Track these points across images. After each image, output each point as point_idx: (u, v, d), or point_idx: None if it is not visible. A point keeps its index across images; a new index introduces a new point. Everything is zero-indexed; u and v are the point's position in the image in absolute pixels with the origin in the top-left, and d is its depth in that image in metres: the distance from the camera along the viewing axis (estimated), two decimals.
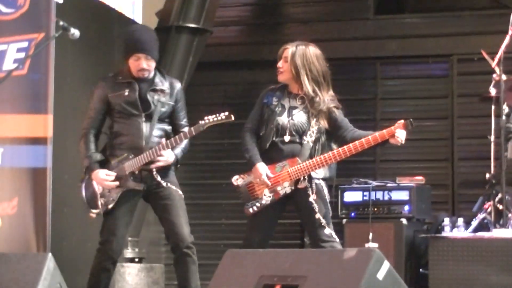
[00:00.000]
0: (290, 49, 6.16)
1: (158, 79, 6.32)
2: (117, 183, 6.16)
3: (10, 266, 4.72)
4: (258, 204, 5.98)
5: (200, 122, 6.07)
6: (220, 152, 11.01)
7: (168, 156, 6.17)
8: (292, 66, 6.11)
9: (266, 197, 5.98)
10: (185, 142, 6.30)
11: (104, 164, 6.26)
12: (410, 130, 5.78)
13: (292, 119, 6.06)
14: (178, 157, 6.25)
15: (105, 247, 6.21)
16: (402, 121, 5.81)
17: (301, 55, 6.13)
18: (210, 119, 6.05)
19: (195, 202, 9.97)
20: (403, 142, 5.81)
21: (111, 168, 6.21)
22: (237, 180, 6.09)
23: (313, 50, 6.18)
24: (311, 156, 6.01)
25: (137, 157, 6.12)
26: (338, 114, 6.14)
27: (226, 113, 6.02)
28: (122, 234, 6.29)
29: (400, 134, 5.78)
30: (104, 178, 6.16)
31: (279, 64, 6.16)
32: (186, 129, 6.19)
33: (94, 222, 6.37)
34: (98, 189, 6.23)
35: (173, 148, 6.20)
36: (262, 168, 5.99)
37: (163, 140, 6.16)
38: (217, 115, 6.04)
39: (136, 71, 6.23)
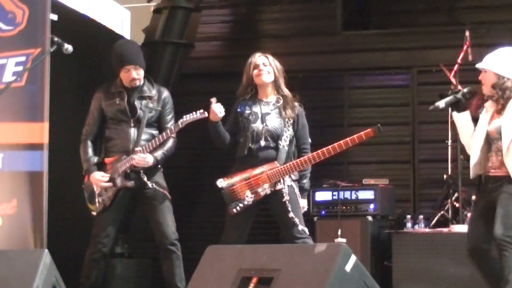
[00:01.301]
0: (267, 56, 6.16)
1: (146, 87, 6.35)
2: (110, 184, 6.17)
3: (10, 262, 4.71)
4: (241, 205, 5.97)
5: (178, 121, 6.09)
6: (202, 156, 11.00)
7: (144, 159, 6.14)
8: (275, 68, 6.12)
9: (248, 198, 5.98)
10: (168, 145, 6.30)
11: (101, 166, 6.28)
12: (378, 134, 5.79)
13: (266, 125, 6.06)
14: (157, 159, 6.23)
15: (96, 241, 6.22)
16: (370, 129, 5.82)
17: (277, 62, 6.17)
18: (187, 117, 6.07)
19: (180, 202, 9.96)
20: None
21: (107, 170, 6.23)
22: (221, 182, 6.08)
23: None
24: (287, 160, 6.02)
25: (127, 158, 6.14)
26: (301, 126, 6.16)
27: (201, 111, 6.05)
28: (112, 229, 6.29)
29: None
30: (99, 179, 6.19)
31: (261, 66, 6.13)
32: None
33: (87, 220, 6.36)
34: (96, 189, 6.26)
35: (154, 149, 6.19)
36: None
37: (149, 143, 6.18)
38: (193, 113, 6.06)
39: (128, 82, 6.28)
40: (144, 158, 6.13)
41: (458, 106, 5.81)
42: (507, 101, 5.59)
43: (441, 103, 5.86)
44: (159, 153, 6.25)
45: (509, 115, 5.60)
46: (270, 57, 6.18)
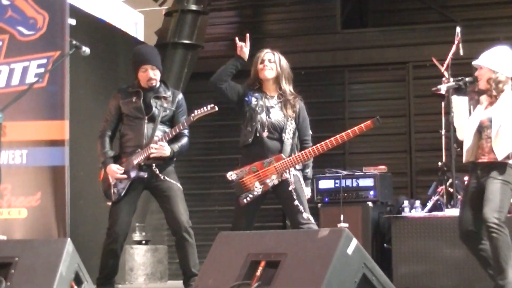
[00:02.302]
0: (274, 53, 6.15)
1: (161, 88, 6.36)
2: (125, 176, 6.19)
3: (35, 250, 4.72)
4: (250, 195, 5.96)
5: (190, 115, 6.11)
6: (212, 150, 11.02)
7: (162, 147, 6.17)
8: (279, 66, 6.11)
9: (257, 189, 5.97)
10: (184, 141, 6.31)
11: (117, 160, 6.30)
12: (377, 126, 5.79)
13: (269, 117, 6.05)
14: (174, 150, 6.24)
15: (111, 231, 6.21)
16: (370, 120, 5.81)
17: (283, 60, 6.15)
18: (198, 111, 6.07)
19: (193, 192, 9.97)
20: None
21: (122, 163, 6.25)
22: (231, 175, 6.08)
23: (285, 60, 6.19)
24: (291, 152, 6.02)
25: (141, 151, 6.16)
26: (302, 119, 6.15)
27: (211, 105, 6.05)
28: (126, 220, 6.28)
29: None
30: (115, 171, 6.19)
31: (266, 62, 6.12)
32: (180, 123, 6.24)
33: (105, 211, 6.37)
34: (112, 181, 6.26)
35: (171, 141, 6.22)
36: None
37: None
38: (204, 108, 6.07)
39: (145, 81, 6.27)
40: (162, 147, 6.15)
41: (458, 91, 5.91)
42: (499, 93, 5.73)
43: (443, 87, 5.96)
44: (175, 146, 6.26)
45: (500, 105, 5.72)
46: (277, 54, 6.16)
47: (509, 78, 5.78)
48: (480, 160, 5.76)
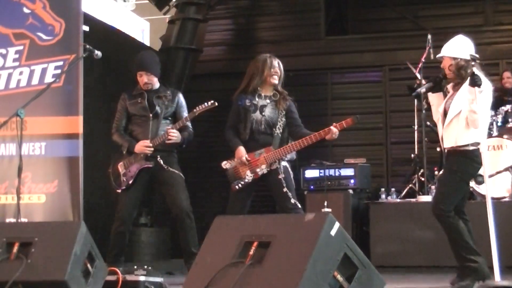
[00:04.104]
0: (278, 60, 6.11)
1: (161, 89, 6.41)
2: (152, 149, 6.18)
3: (53, 231, 4.70)
4: (242, 182, 5.96)
5: (193, 110, 6.15)
6: (211, 142, 11.00)
7: (177, 134, 6.20)
8: (280, 72, 6.09)
9: (248, 177, 5.96)
10: (190, 131, 6.34)
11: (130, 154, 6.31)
12: (356, 122, 5.77)
13: (263, 114, 6.04)
14: (184, 137, 6.27)
15: (119, 216, 6.23)
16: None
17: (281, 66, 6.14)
18: (200, 107, 6.11)
19: (193, 180, 9.96)
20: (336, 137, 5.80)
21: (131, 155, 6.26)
22: (225, 164, 6.07)
23: None
24: (281, 145, 6.00)
25: (152, 141, 6.17)
26: (294, 113, 6.12)
27: (212, 101, 6.07)
28: (133, 205, 6.30)
29: (335, 133, 5.77)
30: (144, 146, 6.20)
31: (277, 69, 6.04)
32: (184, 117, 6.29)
33: (115, 198, 6.37)
34: (121, 170, 6.27)
35: (180, 130, 6.23)
36: (242, 151, 5.98)
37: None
38: (205, 104, 6.09)
39: (142, 85, 6.36)
40: (176, 133, 6.17)
41: (432, 89, 5.68)
42: (463, 80, 5.40)
43: (422, 89, 5.82)
44: (184, 134, 6.30)
45: (459, 93, 5.41)
46: (280, 62, 6.13)
47: (469, 62, 5.40)
48: (445, 147, 5.50)
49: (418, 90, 6.02)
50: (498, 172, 7.54)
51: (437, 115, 5.60)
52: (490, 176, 7.22)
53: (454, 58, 5.45)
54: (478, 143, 5.35)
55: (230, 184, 6.06)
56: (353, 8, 11.87)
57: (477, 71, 5.32)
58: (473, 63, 5.40)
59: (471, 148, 5.35)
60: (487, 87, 5.34)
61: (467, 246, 5.31)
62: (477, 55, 5.43)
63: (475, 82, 5.17)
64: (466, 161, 5.36)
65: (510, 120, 7.93)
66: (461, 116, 5.35)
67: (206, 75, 11.15)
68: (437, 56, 5.65)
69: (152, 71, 6.35)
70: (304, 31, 11.21)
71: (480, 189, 7.46)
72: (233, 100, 6.13)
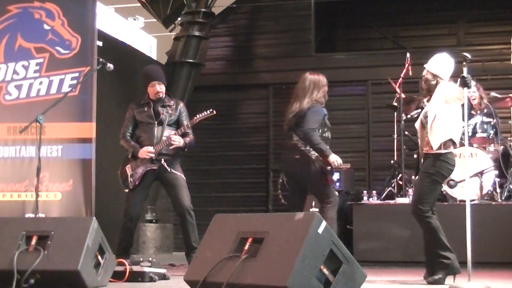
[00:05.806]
0: None
1: (166, 99, 6.39)
2: (153, 155, 6.17)
3: (68, 226, 4.70)
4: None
5: (194, 118, 6.16)
6: (211, 147, 11.00)
7: (179, 139, 6.20)
8: None
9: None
10: (192, 138, 6.33)
11: (134, 157, 6.29)
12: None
13: None
14: (186, 142, 6.27)
15: (127, 213, 6.21)
16: None
17: None
18: (200, 115, 6.13)
19: (194, 181, 9.95)
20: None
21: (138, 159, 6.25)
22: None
23: None
24: None
25: (156, 145, 6.17)
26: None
27: (210, 109, 6.11)
28: (140, 204, 6.31)
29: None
30: (148, 151, 6.19)
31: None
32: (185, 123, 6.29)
33: (123, 196, 6.36)
34: (129, 172, 6.26)
35: (182, 135, 6.23)
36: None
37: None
38: (205, 112, 6.11)
39: (154, 95, 6.31)
40: (179, 138, 6.17)
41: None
42: (433, 89, 5.35)
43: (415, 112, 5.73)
44: (187, 139, 6.29)
45: (432, 101, 5.36)
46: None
47: (436, 75, 5.34)
48: (423, 151, 5.45)
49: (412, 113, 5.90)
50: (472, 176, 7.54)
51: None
52: (460, 181, 7.27)
53: (426, 71, 5.43)
54: (450, 146, 5.32)
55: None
56: (341, 28, 11.92)
57: (447, 83, 5.32)
58: (440, 79, 5.35)
59: (443, 151, 5.31)
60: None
61: (441, 243, 5.30)
62: (451, 72, 5.42)
63: (466, 83, 4.96)
64: (441, 163, 5.32)
65: (478, 131, 7.94)
66: (435, 121, 5.31)
67: (208, 87, 11.15)
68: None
69: (163, 81, 6.37)
70: (296, 49, 11.22)
71: (453, 192, 7.47)
72: None
